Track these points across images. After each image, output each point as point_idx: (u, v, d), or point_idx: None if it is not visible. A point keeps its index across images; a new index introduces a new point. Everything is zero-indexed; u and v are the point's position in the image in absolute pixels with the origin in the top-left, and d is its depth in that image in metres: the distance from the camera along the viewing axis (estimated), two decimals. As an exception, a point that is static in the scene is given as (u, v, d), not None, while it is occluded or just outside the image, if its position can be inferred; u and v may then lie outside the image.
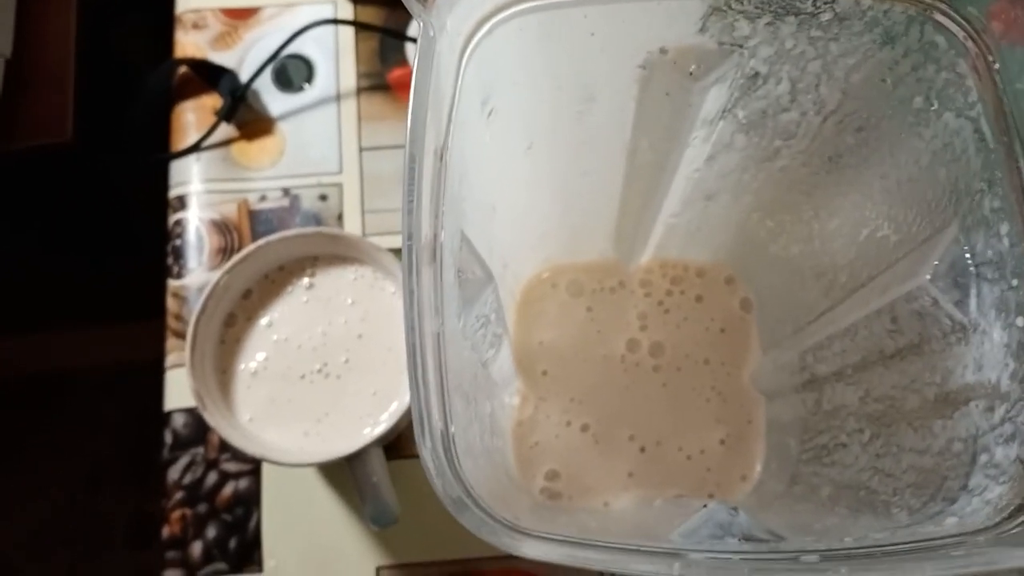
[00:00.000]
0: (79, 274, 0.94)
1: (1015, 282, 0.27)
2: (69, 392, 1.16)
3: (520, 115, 0.33)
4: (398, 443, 0.51)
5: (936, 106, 0.30)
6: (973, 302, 0.28)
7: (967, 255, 0.29)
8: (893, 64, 0.31)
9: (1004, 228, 0.27)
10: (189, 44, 0.60)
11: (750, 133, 0.36)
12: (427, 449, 0.22)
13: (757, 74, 0.32)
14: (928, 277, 0.29)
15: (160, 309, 0.56)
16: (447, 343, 0.25)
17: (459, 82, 0.28)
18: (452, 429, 0.24)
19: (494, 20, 0.28)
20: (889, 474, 0.32)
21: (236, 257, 0.46)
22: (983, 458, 0.27)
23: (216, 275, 0.46)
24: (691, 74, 0.31)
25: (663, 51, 0.31)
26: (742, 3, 0.29)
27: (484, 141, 0.32)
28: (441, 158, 0.26)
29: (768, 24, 0.30)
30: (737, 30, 0.30)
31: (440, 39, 0.25)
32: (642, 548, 0.22)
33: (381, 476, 0.45)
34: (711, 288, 0.48)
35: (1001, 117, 0.27)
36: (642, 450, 0.45)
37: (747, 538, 0.26)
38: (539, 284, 0.47)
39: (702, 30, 0.30)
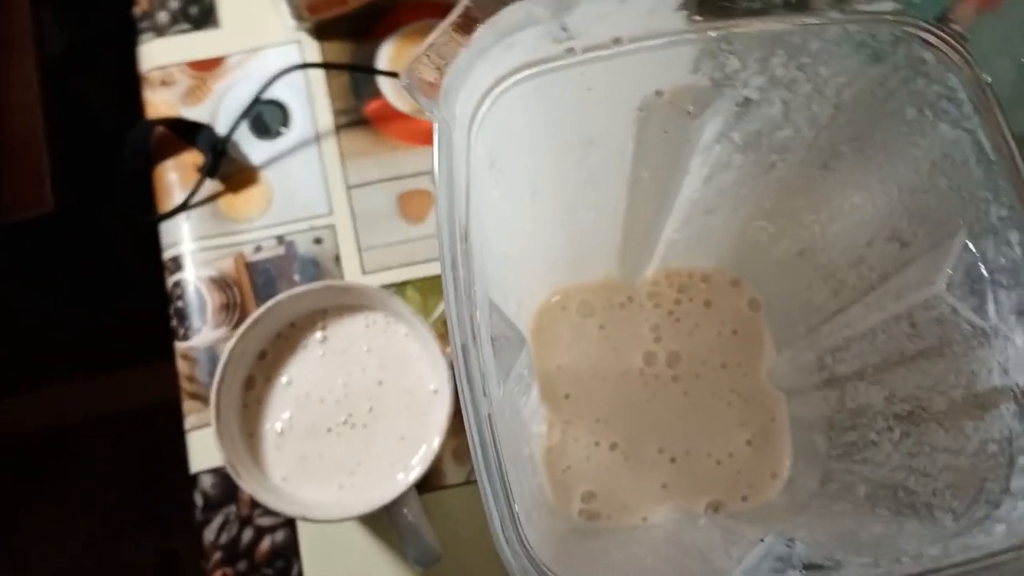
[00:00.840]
0: (73, 327, 0.94)
1: (1032, 289, 0.28)
2: (72, 444, 1.16)
3: (524, 168, 0.34)
4: (425, 478, 0.52)
5: (931, 117, 0.31)
6: (992, 308, 0.29)
7: (980, 263, 0.29)
8: (883, 79, 0.31)
9: (1015, 236, 0.28)
10: (160, 103, 0.60)
11: (746, 152, 0.36)
12: (507, 548, 0.22)
13: (749, 100, 0.33)
14: (944, 286, 0.30)
15: (155, 354, 0.56)
16: (496, 421, 0.26)
17: (469, 158, 0.28)
18: (516, 507, 0.25)
19: (496, 92, 0.28)
20: (925, 474, 0.33)
21: (247, 322, 0.46)
22: (1022, 460, 0.28)
23: (229, 342, 0.46)
24: (689, 112, 0.32)
25: (659, 93, 0.31)
26: (732, 44, 0.29)
27: (493, 199, 0.32)
28: (466, 239, 0.27)
29: (758, 59, 0.30)
30: (728, 67, 0.31)
31: (455, 130, 0.25)
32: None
33: (420, 518, 0.46)
34: (718, 292, 0.48)
35: (998, 130, 0.28)
36: (672, 461, 0.46)
37: (807, 567, 0.27)
38: (550, 309, 0.48)
39: (695, 71, 0.30)
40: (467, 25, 0.25)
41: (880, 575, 0.25)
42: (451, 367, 0.45)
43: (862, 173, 0.35)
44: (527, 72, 0.28)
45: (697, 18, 0.28)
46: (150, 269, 0.60)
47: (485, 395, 0.25)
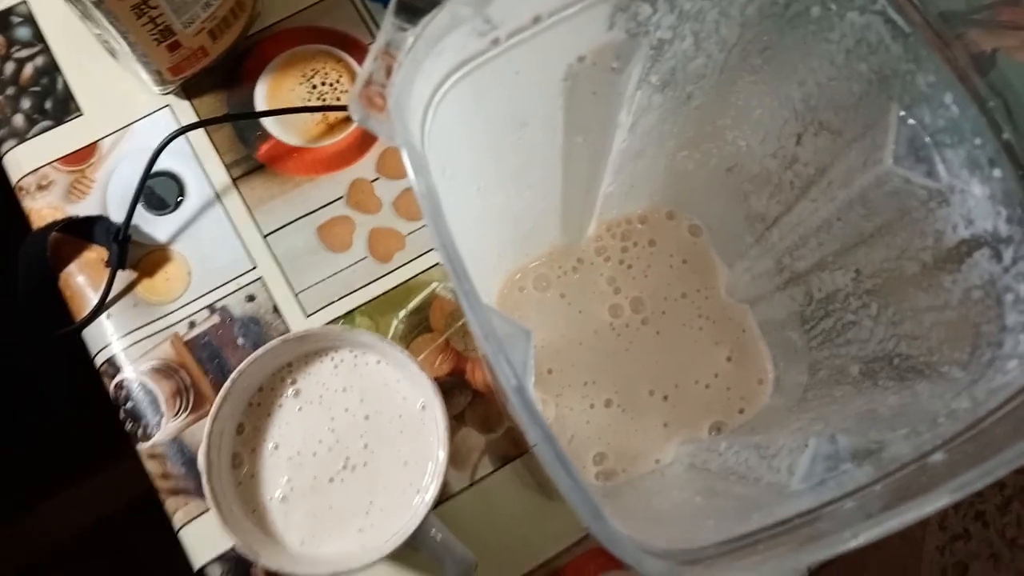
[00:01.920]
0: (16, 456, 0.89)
1: (978, 140, 0.29)
2: (64, 565, 1.09)
3: (467, 166, 0.34)
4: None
5: (835, 9, 0.32)
6: (941, 168, 0.31)
7: (920, 130, 0.31)
8: (782, -14, 0.32)
9: (948, 97, 0.30)
10: (43, 208, 0.56)
11: (664, 91, 0.37)
12: (611, 539, 0.22)
13: (663, 40, 0.34)
14: (892, 160, 0.32)
15: (113, 456, 0.53)
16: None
17: (430, 175, 0.28)
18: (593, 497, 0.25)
19: (435, 102, 0.28)
20: (914, 336, 0.35)
21: (215, 402, 0.45)
22: (1009, 297, 0.30)
23: (205, 427, 0.44)
24: (614, 68, 0.32)
25: (581, 59, 0.32)
26: (642, -9, 0.30)
27: (449, 204, 0.32)
28: (457, 251, 0.27)
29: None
30: (641, 14, 0.31)
31: (425, 146, 0.25)
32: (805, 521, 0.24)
33: (445, 533, 0.46)
34: (658, 229, 0.49)
35: (907, 3, 0.29)
36: (665, 399, 0.47)
37: (856, 455, 0.29)
38: (509, 294, 0.48)
39: (610, 28, 0.31)
40: (396, 42, 0.25)
41: (926, 440, 0.27)
42: (431, 378, 0.45)
43: (777, 79, 0.37)
44: (459, 74, 0.28)
45: (606, -25, 0.29)
46: (81, 376, 0.57)
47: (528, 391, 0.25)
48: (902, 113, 0.31)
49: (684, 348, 0.48)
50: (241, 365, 0.45)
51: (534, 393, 0.44)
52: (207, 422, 0.44)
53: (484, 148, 0.34)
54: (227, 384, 0.45)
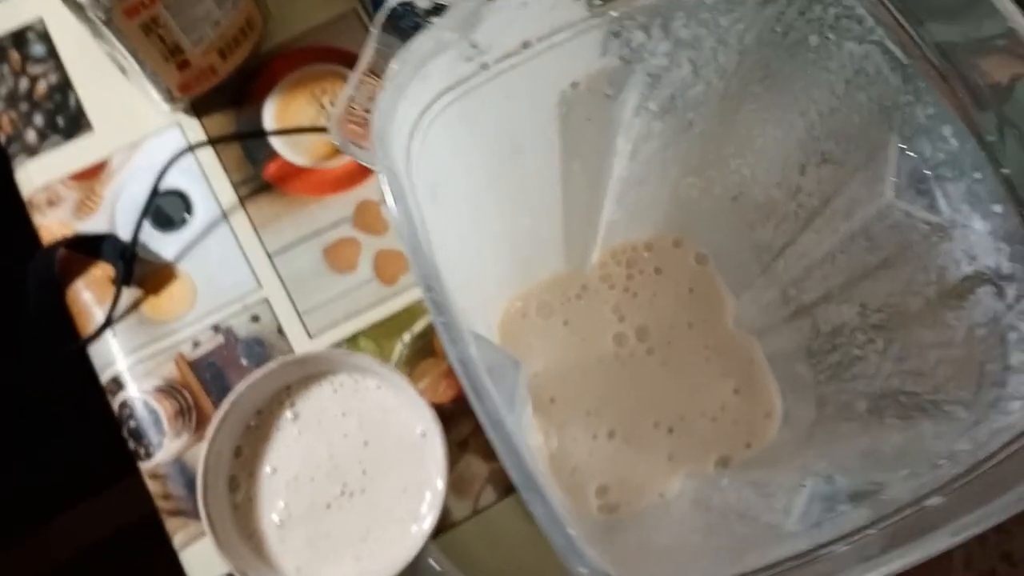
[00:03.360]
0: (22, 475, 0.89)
1: (977, 175, 0.28)
2: None
3: (461, 190, 0.33)
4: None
5: (834, 39, 0.31)
6: (943, 202, 0.30)
7: (920, 163, 0.30)
8: (780, 15, 0.32)
9: (947, 130, 0.29)
10: (53, 224, 0.57)
11: (664, 117, 0.37)
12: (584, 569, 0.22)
13: (659, 68, 0.33)
14: (893, 193, 0.31)
15: (119, 475, 0.53)
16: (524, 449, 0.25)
17: (414, 196, 0.27)
18: (569, 530, 0.24)
19: (423, 126, 0.28)
20: (920, 373, 0.34)
21: (212, 424, 0.44)
22: (1013, 336, 0.29)
23: (201, 450, 0.44)
24: (608, 95, 0.32)
25: (575, 85, 0.31)
26: (634, 18, 0.29)
27: (440, 225, 0.32)
28: (439, 279, 0.26)
29: (660, 26, 0.30)
30: (635, 41, 0.31)
31: (409, 174, 0.25)
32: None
33: (445, 563, 0.45)
34: (664, 257, 0.49)
35: (904, 34, 0.29)
36: (670, 431, 0.46)
37: (853, 496, 0.28)
38: (511, 320, 0.48)
39: (604, 54, 0.30)
40: (379, 66, 0.25)
41: (925, 484, 0.26)
42: (431, 405, 0.44)
43: (778, 108, 0.36)
44: (447, 98, 0.28)
45: (596, 2, 0.28)
46: (90, 393, 0.57)
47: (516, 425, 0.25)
48: (902, 146, 0.30)
49: (690, 379, 0.47)
50: (239, 387, 0.45)
51: (530, 423, 0.44)
52: (204, 444, 0.44)
53: (479, 173, 0.34)
54: (224, 406, 0.44)
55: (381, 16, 0.24)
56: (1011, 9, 0.25)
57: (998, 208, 0.28)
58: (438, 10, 0.25)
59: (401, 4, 0.24)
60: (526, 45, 0.28)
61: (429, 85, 0.27)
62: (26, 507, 0.92)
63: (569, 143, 0.35)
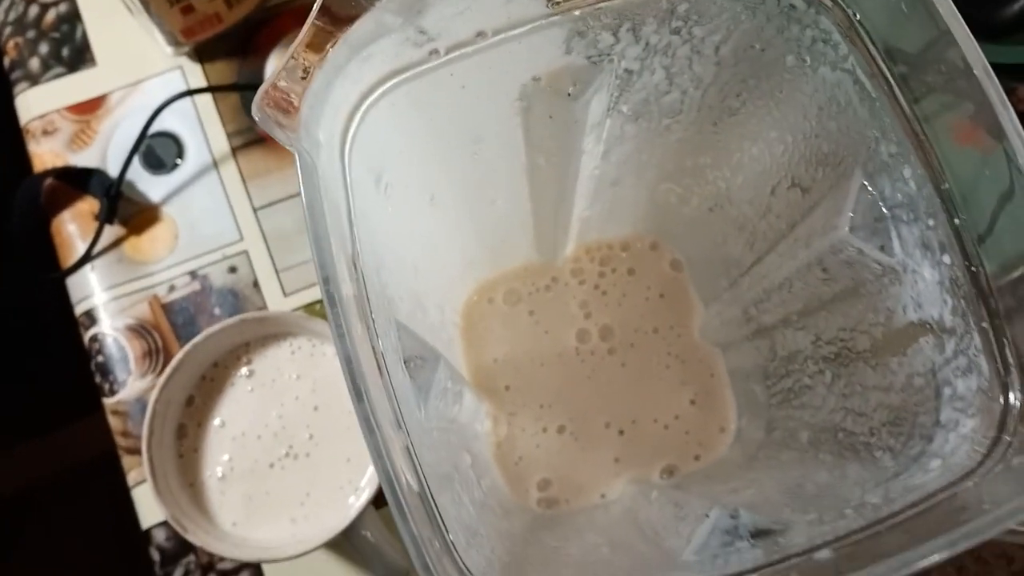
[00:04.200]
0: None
1: (931, 222, 0.27)
2: (26, 512, 1.12)
3: (415, 176, 0.33)
4: (380, 493, 0.51)
5: (809, 61, 0.30)
6: (896, 244, 0.29)
7: (879, 201, 0.29)
8: (759, 31, 0.31)
9: (907, 171, 0.28)
10: (45, 153, 0.57)
11: (638, 120, 0.36)
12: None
13: (630, 71, 0.32)
14: (847, 228, 0.30)
15: (91, 405, 0.54)
16: (417, 448, 0.25)
17: (347, 180, 0.27)
18: (450, 536, 0.24)
19: (363, 108, 0.27)
20: (860, 413, 0.33)
21: (167, 371, 0.45)
22: (947, 391, 0.28)
23: (152, 394, 0.44)
24: (569, 94, 0.31)
25: (536, 79, 0.30)
26: (599, 20, 0.28)
27: (388, 214, 0.31)
28: (355, 266, 0.26)
29: (629, 30, 0.29)
30: (602, 43, 0.30)
31: (319, 157, 0.24)
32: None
33: (380, 536, 0.45)
34: (639, 259, 0.48)
35: (874, 65, 0.28)
36: (621, 433, 0.46)
37: (755, 534, 0.27)
38: (477, 304, 0.47)
39: (568, 52, 0.30)
40: (318, 45, 0.24)
41: (825, 532, 0.25)
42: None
43: (755, 124, 0.35)
44: (394, 81, 0.27)
45: (557, 1, 0.27)
46: (64, 324, 0.58)
47: (401, 427, 0.24)
48: (864, 181, 0.29)
49: (648, 384, 0.47)
50: (196, 338, 0.45)
51: (479, 407, 0.43)
52: (155, 389, 0.44)
53: (434, 160, 0.33)
54: (179, 355, 0.45)
55: (323, -8, 0.24)
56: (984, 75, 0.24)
57: (947, 259, 0.27)
58: (383, -8, 0.24)
59: (345, -18, 0.24)
60: (481, 35, 0.27)
61: (372, 66, 0.26)
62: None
63: (532, 138, 0.34)
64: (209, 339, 0.45)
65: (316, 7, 0.24)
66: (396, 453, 0.23)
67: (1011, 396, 0.26)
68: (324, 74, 0.24)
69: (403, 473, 0.23)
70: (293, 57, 0.23)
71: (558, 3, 0.27)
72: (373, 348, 0.25)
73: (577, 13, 0.28)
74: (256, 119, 0.23)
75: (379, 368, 0.25)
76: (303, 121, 0.24)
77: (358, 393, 0.22)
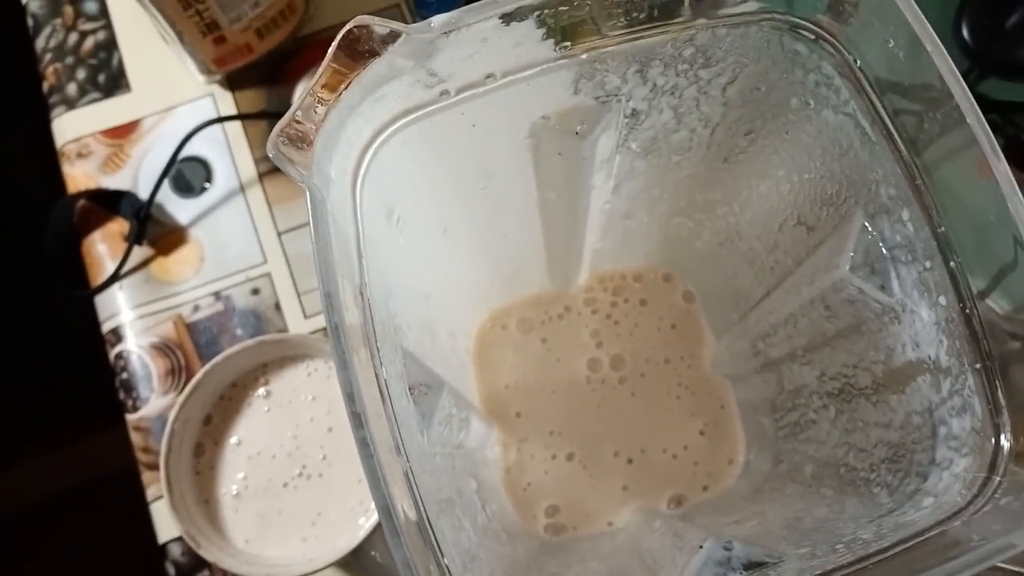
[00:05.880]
0: (22, 407, 0.92)
1: (928, 264, 0.28)
2: (44, 523, 1.13)
3: (427, 209, 0.34)
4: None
5: (812, 104, 0.31)
6: (895, 284, 0.30)
7: (879, 242, 0.30)
8: (764, 74, 0.31)
9: (906, 214, 0.28)
10: (79, 175, 0.59)
11: (648, 157, 0.37)
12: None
13: (637, 111, 0.33)
14: (848, 267, 0.31)
15: (112, 420, 0.55)
16: (417, 473, 0.26)
17: (358, 214, 0.28)
18: (445, 561, 0.25)
19: (376, 144, 0.28)
20: (862, 449, 0.33)
21: (186, 390, 0.46)
22: (942, 430, 0.28)
23: (171, 412, 0.46)
24: (577, 133, 0.32)
25: (545, 118, 0.31)
26: (606, 63, 0.29)
27: (399, 245, 0.32)
28: (362, 295, 0.27)
29: (636, 72, 0.30)
30: (609, 84, 0.31)
31: (330, 193, 0.25)
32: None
33: (388, 557, 0.46)
34: (652, 290, 0.49)
35: (874, 111, 0.28)
36: (629, 462, 0.46)
37: (748, 566, 0.28)
38: (490, 331, 0.48)
39: (576, 92, 0.31)
40: (333, 85, 0.25)
41: (815, 567, 0.25)
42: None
43: (763, 162, 0.36)
44: (406, 120, 0.28)
45: (565, 44, 0.28)
46: (91, 341, 0.59)
47: (400, 452, 0.25)
48: (865, 223, 0.30)
49: (658, 414, 0.47)
50: (216, 359, 0.46)
51: (489, 434, 0.44)
52: (175, 407, 0.46)
53: (446, 194, 0.34)
54: (199, 375, 0.46)
55: (338, 37, 0.25)
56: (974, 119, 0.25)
57: (943, 300, 0.28)
58: (394, 37, 0.25)
59: (358, 27, 0.25)
60: (490, 77, 0.28)
61: (385, 106, 0.27)
62: (9, 440, 0.95)
63: (542, 174, 0.35)
64: (228, 360, 0.46)
65: (331, 50, 0.25)
66: (393, 478, 0.24)
67: (1002, 438, 0.26)
68: (338, 113, 0.25)
69: (399, 497, 0.24)
70: (309, 95, 0.25)
71: (565, 47, 0.28)
72: (376, 375, 0.26)
73: (584, 56, 0.29)
74: (271, 156, 0.24)
75: (381, 395, 0.26)
76: (316, 158, 0.25)
77: (356, 419, 0.23)
